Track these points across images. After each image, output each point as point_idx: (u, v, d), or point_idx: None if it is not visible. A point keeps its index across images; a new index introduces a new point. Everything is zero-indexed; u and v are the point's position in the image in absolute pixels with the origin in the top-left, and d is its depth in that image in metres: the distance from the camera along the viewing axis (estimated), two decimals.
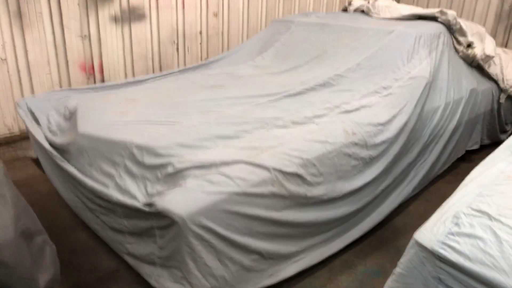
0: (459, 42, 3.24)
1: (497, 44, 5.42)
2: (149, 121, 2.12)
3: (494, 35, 5.53)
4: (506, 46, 5.39)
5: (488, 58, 3.46)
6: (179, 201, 1.48)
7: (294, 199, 1.84)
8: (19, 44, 3.12)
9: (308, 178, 1.89)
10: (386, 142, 2.31)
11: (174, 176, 1.75)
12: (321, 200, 1.99)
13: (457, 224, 1.15)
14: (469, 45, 3.26)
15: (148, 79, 3.02)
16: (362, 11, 3.75)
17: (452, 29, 3.18)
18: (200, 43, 4.32)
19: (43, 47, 3.24)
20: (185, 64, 4.25)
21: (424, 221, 2.59)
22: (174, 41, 4.09)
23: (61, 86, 3.41)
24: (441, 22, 3.18)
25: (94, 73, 3.59)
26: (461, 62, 3.28)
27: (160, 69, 4.05)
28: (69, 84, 3.46)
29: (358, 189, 2.19)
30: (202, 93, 2.56)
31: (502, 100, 3.73)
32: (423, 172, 2.79)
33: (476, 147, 3.58)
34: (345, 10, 4.08)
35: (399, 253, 2.33)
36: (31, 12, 3.11)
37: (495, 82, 3.62)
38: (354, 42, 2.98)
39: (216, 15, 4.34)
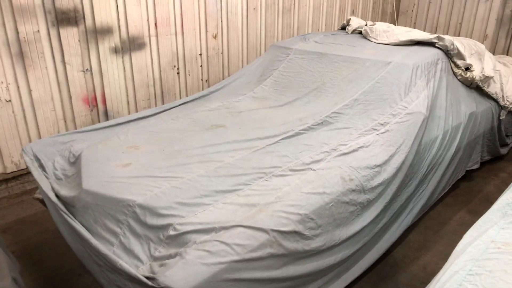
0: (457, 66, 3.24)
1: (499, 50, 5.40)
2: (150, 176, 2.17)
3: (495, 40, 5.50)
4: (507, 53, 5.36)
5: (487, 78, 3.46)
6: (179, 277, 1.54)
7: (292, 255, 1.90)
8: (22, 84, 3.19)
9: (306, 233, 1.94)
10: (384, 184, 2.35)
11: (175, 239, 1.81)
12: (320, 250, 2.04)
13: None
14: (468, 68, 3.26)
15: (149, 116, 3.07)
16: (360, 32, 3.76)
17: (450, 54, 3.19)
18: (201, 66, 4.36)
19: (46, 84, 3.30)
20: (186, 88, 4.30)
21: (423, 253, 2.67)
22: (174, 66, 4.13)
23: (65, 121, 3.49)
24: (438, 47, 3.18)
25: (97, 105, 3.65)
26: (459, 85, 3.29)
27: (162, 95, 4.10)
28: (73, 117, 3.53)
29: (357, 232, 2.24)
30: (202, 136, 2.61)
31: (503, 117, 3.74)
32: (423, 202, 2.83)
33: (476, 166, 3.61)
34: (343, 28, 4.09)
35: None
36: (33, 52, 3.17)
37: (495, 100, 3.63)
38: (351, 73, 3.00)
39: (215, 36, 4.37)
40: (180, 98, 4.22)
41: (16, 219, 3.13)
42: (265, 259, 1.77)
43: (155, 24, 3.85)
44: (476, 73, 3.30)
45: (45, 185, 2.40)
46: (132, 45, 3.73)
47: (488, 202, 3.31)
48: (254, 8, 4.65)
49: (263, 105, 3.08)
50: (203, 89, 4.30)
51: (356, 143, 2.48)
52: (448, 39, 3.13)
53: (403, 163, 2.46)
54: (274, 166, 2.25)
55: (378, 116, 2.68)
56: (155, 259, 1.81)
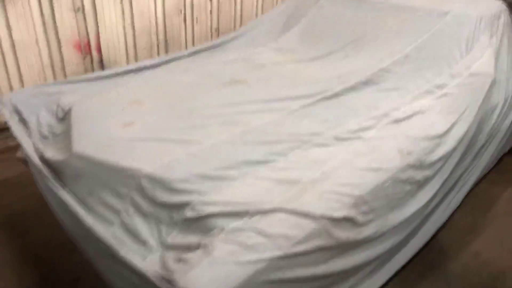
0: None
1: None
2: (160, 139, 1.72)
3: None
4: None
5: None
6: (206, 281, 1.13)
7: (342, 247, 1.50)
8: (1, 22, 2.65)
9: (359, 218, 1.53)
10: (444, 158, 1.93)
11: (195, 222, 1.40)
12: (370, 239, 1.64)
13: None
14: None
15: (153, 65, 2.57)
16: None
17: None
18: (210, 12, 3.79)
19: (30, 24, 2.76)
20: (193, 37, 3.76)
21: (473, 237, 2.31)
22: (180, 11, 3.57)
23: (53, 69, 2.97)
24: None
25: (91, 52, 3.13)
26: None
27: (166, 44, 3.57)
28: (63, 66, 3.01)
29: (410, 216, 1.84)
30: (220, 92, 2.14)
31: None
32: (474, 179, 2.45)
33: None
34: None
35: (450, 281, 2.04)
36: None
37: None
38: (399, 24, 2.49)
39: None
40: (186, 48, 3.69)
41: None
42: (311, 253, 1.37)
43: None
44: None
45: (27, 144, 1.94)
46: None
47: None
48: None
49: (289, 59, 2.59)
50: (212, 39, 3.78)
51: (411, 107, 2.03)
52: None
53: (465, 134, 2.03)
54: (313, 132, 1.81)
55: (434, 77, 2.22)
56: (167, 247, 1.40)
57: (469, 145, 2.14)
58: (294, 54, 2.64)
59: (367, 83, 2.18)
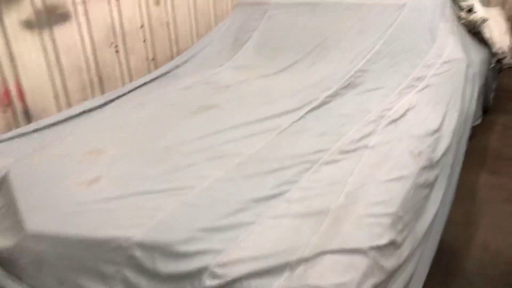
0: (460, 8, 2.82)
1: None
2: (140, 192, 1.38)
3: None
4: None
5: (484, 21, 3.10)
6: None
7: (387, 279, 1.27)
8: None
9: (399, 239, 1.33)
10: (445, 153, 1.82)
11: None
12: (407, 259, 1.44)
13: None
14: (470, 10, 2.86)
15: (98, 105, 2.20)
16: None
17: None
18: (144, 40, 3.46)
19: None
20: (129, 70, 3.39)
21: (473, 229, 2.22)
22: (111, 43, 3.19)
23: None
24: None
25: (12, 103, 2.63)
26: (463, 29, 2.87)
27: (100, 82, 3.16)
28: None
29: (431, 222, 1.68)
30: (192, 122, 1.84)
31: (493, 65, 3.45)
32: (459, 168, 2.37)
33: (479, 121, 3.27)
34: None
35: (473, 282, 1.92)
36: None
37: (489, 47, 3.30)
38: (359, 23, 2.40)
39: (158, 3, 3.49)
40: (123, 84, 3.31)
41: None
42: None
43: None
44: (479, 15, 2.90)
45: None
46: (52, 16, 2.74)
47: (502, 159, 2.98)
48: None
49: (253, 75, 2.37)
50: (150, 71, 3.44)
51: (401, 105, 1.90)
52: None
53: (457, 124, 1.95)
54: (316, 150, 1.58)
55: (410, 70, 2.14)
56: None
57: (459, 135, 2.07)
58: (255, 69, 2.42)
59: (348, 86, 2.03)
